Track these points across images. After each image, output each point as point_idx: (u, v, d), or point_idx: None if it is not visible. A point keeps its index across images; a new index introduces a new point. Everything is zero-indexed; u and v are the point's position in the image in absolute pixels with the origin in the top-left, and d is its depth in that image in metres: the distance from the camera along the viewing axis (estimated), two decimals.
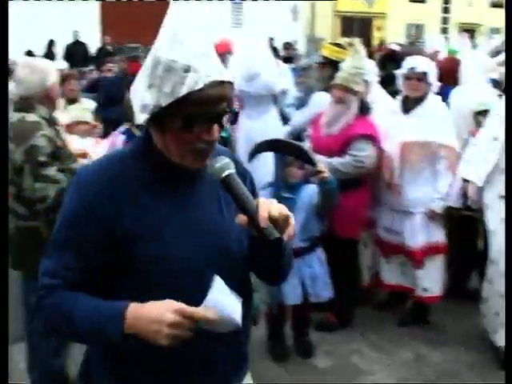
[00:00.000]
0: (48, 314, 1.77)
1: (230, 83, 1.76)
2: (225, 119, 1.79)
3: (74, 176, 1.86)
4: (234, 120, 6.08)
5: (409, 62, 5.03)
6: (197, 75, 1.68)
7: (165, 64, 1.70)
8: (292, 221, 1.74)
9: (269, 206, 1.70)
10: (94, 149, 4.06)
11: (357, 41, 5.04)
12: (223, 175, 1.72)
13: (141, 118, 1.76)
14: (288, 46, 18.81)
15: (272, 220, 1.69)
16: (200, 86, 1.67)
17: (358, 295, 5.21)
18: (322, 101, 5.34)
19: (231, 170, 1.72)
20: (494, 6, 50.72)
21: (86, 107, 6.13)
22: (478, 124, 5.16)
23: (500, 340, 4.63)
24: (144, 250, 1.76)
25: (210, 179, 1.80)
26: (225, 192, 1.76)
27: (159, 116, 1.73)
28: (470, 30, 44.32)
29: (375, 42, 24.03)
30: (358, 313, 5.03)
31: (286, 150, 4.15)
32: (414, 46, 17.40)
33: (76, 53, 17.13)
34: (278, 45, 18.58)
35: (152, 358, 1.81)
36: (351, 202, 4.60)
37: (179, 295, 1.69)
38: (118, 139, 4.17)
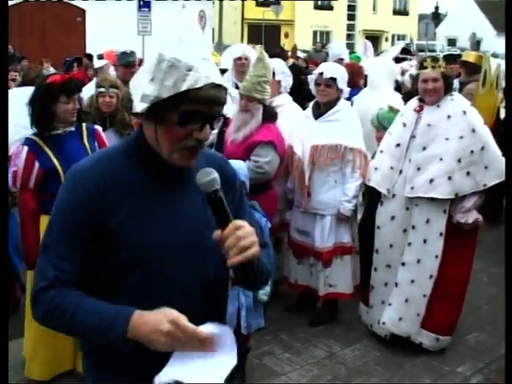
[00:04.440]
0: (47, 307, 1.84)
1: (225, 89, 1.88)
2: (216, 122, 1.90)
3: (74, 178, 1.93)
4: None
5: (318, 68, 5.18)
6: (197, 75, 1.80)
7: (169, 61, 1.82)
8: (255, 247, 1.79)
9: (237, 230, 1.76)
10: None
11: (259, 48, 5.13)
12: (209, 191, 1.78)
13: (140, 106, 1.85)
14: None
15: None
16: (199, 84, 1.79)
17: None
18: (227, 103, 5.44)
19: (217, 187, 1.78)
20: (397, 13, 52.48)
21: None
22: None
23: (381, 331, 4.94)
24: (127, 241, 1.86)
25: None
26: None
27: (157, 108, 1.83)
28: (374, 37, 45.72)
29: (286, 48, 24.34)
30: (269, 315, 5.07)
31: None
32: (319, 53, 17.82)
33: None
34: None
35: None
36: (261, 206, 4.66)
37: (155, 285, 1.88)
38: (21, 150, 4.09)
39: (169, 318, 1.72)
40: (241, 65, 6.56)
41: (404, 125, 4.83)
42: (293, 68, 7.29)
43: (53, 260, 1.85)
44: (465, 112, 4.67)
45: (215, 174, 1.79)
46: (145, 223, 1.89)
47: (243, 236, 1.75)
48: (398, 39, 48.57)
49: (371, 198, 5.15)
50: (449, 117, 4.65)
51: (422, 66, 4.77)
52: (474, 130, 4.62)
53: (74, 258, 1.86)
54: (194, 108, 1.81)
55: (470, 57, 8.24)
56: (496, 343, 4.96)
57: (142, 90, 1.86)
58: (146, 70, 1.89)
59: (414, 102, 4.88)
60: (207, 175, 1.79)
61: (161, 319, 1.72)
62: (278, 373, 4.54)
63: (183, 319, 1.72)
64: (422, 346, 4.82)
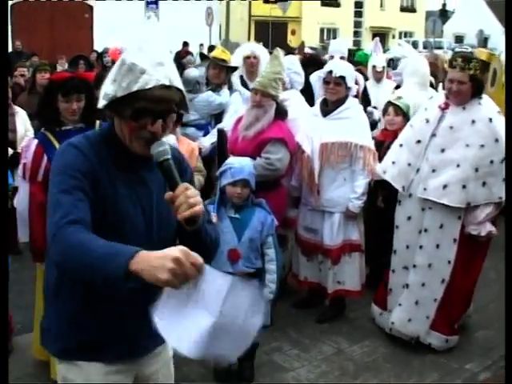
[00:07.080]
0: (65, 242, 1.98)
1: (179, 89, 2.16)
2: (170, 117, 2.18)
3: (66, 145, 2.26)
4: None
5: (327, 66, 5.15)
6: (149, 77, 2.09)
7: (128, 65, 2.12)
8: (200, 205, 2.05)
9: (186, 190, 2.04)
10: None
11: (278, 48, 5.13)
12: (160, 159, 2.10)
13: (101, 103, 2.17)
14: (202, 48, 18.87)
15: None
16: (149, 86, 2.08)
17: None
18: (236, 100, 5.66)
19: (167, 156, 2.10)
20: (404, 10, 52.27)
21: None
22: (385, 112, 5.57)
23: (395, 332, 4.90)
24: (103, 208, 2.16)
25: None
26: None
27: (115, 105, 2.15)
28: (381, 34, 45.57)
29: (293, 45, 24.37)
30: (278, 311, 5.09)
31: None
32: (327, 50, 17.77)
33: None
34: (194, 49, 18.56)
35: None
36: (270, 203, 4.67)
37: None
38: (31, 143, 4.15)
39: (177, 247, 1.85)
40: (250, 64, 6.58)
41: (427, 121, 4.69)
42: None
43: (74, 202, 2.07)
44: (491, 119, 4.47)
45: (166, 146, 2.12)
46: (115, 196, 2.19)
47: (191, 195, 2.03)
48: (405, 36, 48.40)
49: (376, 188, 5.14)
50: (473, 122, 4.47)
51: (451, 64, 4.56)
52: (497, 140, 4.42)
53: (88, 204, 2.10)
54: (144, 105, 2.11)
55: (482, 55, 8.18)
56: (504, 340, 4.95)
57: (105, 89, 2.17)
58: (111, 72, 2.20)
59: (440, 98, 4.78)
60: (159, 146, 2.11)
61: (168, 250, 1.83)
62: (286, 368, 4.56)
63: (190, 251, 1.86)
64: (431, 346, 4.80)
